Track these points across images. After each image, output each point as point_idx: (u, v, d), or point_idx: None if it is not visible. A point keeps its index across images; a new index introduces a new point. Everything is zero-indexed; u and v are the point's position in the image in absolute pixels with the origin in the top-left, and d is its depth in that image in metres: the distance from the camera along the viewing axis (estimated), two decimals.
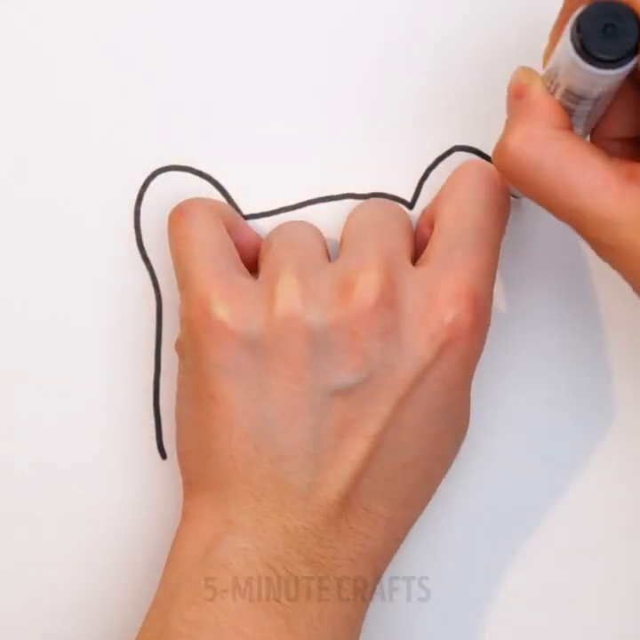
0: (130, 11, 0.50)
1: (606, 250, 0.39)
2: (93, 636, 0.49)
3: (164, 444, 0.49)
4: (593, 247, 0.39)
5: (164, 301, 0.49)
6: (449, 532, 0.49)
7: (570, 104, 0.40)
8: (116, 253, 0.49)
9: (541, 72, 0.42)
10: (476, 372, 0.45)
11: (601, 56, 0.38)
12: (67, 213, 0.49)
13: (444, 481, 0.46)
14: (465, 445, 0.47)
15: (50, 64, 0.50)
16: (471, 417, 0.46)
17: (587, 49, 0.38)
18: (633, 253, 0.38)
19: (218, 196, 0.49)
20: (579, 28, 0.38)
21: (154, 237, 0.49)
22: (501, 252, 0.46)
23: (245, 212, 0.50)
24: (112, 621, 0.49)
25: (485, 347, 0.45)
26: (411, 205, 0.49)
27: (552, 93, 0.41)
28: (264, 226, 0.49)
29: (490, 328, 0.45)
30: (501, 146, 0.40)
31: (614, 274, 0.40)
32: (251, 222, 0.49)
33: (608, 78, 0.38)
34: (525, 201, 0.48)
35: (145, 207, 0.49)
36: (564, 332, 0.49)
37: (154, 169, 0.49)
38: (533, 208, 0.46)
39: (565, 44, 0.39)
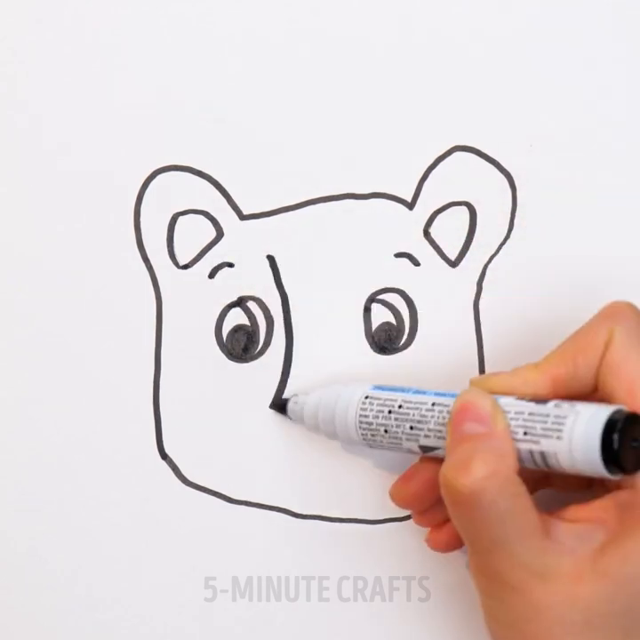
0: (130, 11, 0.50)
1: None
2: (93, 636, 0.49)
3: (164, 443, 0.49)
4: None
5: (163, 301, 0.49)
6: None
7: (527, 456, 0.40)
8: (116, 253, 0.49)
9: (503, 402, 0.41)
10: None
11: (628, 467, 0.38)
12: (67, 213, 0.49)
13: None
14: None
15: (50, 64, 0.50)
16: None
17: (617, 458, 0.38)
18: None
19: (218, 197, 0.49)
20: (610, 434, 0.38)
21: (154, 237, 0.49)
22: None
23: (245, 212, 0.50)
24: (112, 621, 0.49)
25: None
26: (411, 205, 0.49)
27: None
28: (264, 226, 0.49)
29: None
30: (458, 471, 0.39)
31: None
32: (249, 221, 0.49)
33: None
34: None
35: (145, 207, 0.49)
36: None
37: (154, 169, 0.49)
38: None
39: (579, 439, 0.38)
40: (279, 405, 0.49)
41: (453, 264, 0.50)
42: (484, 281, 0.49)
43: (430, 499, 0.45)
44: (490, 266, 0.49)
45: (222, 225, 0.50)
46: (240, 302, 0.49)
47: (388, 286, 0.49)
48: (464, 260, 0.50)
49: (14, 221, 0.50)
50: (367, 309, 0.49)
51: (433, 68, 0.49)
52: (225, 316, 0.49)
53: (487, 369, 0.49)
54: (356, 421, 0.45)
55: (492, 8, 0.49)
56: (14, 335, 0.49)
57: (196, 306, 0.49)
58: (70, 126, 0.49)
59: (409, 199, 0.49)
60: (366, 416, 0.44)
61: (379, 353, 0.49)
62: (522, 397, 0.41)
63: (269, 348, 0.49)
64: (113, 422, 0.49)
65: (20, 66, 0.50)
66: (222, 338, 0.49)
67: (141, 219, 0.49)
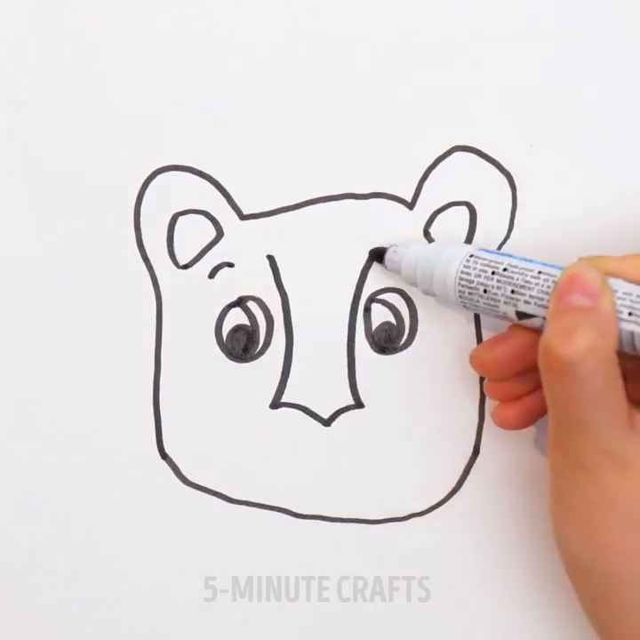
0: (130, 11, 0.50)
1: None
2: (93, 636, 0.49)
3: (164, 443, 0.49)
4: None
5: (163, 301, 0.49)
6: (449, 532, 0.49)
7: (628, 338, 0.40)
8: (116, 253, 0.49)
9: (611, 281, 0.41)
10: None
11: None
12: (67, 213, 0.49)
13: (444, 481, 0.46)
14: (465, 447, 0.47)
15: (50, 64, 0.50)
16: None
17: None
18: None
19: (218, 197, 0.49)
20: None
21: (154, 237, 0.49)
22: None
23: (245, 212, 0.50)
24: (112, 621, 0.49)
25: None
26: (411, 205, 0.49)
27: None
28: (264, 226, 0.49)
29: None
30: (561, 339, 0.39)
31: None
32: (249, 221, 0.50)
33: None
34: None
35: (145, 207, 0.49)
36: None
37: (154, 169, 0.49)
38: None
39: None
40: (377, 254, 0.48)
41: None
42: None
43: (514, 367, 0.45)
44: None
45: (222, 225, 0.50)
46: (240, 302, 0.49)
47: (388, 286, 0.49)
48: None
49: (14, 221, 0.50)
50: (367, 309, 0.49)
51: (433, 68, 0.49)
52: (225, 315, 0.49)
53: None
54: (456, 278, 0.45)
55: (492, 8, 0.49)
56: (14, 335, 0.49)
57: (196, 306, 0.49)
58: (70, 126, 0.49)
59: (409, 199, 0.49)
60: (468, 274, 0.44)
61: (379, 353, 0.49)
62: (631, 281, 0.41)
63: (269, 348, 0.49)
64: (113, 422, 0.49)
65: (20, 66, 0.50)
66: (222, 338, 0.49)
67: (141, 219, 0.49)
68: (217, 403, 0.49)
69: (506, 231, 0.49)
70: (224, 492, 0.50)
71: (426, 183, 0.49)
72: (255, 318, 0.49)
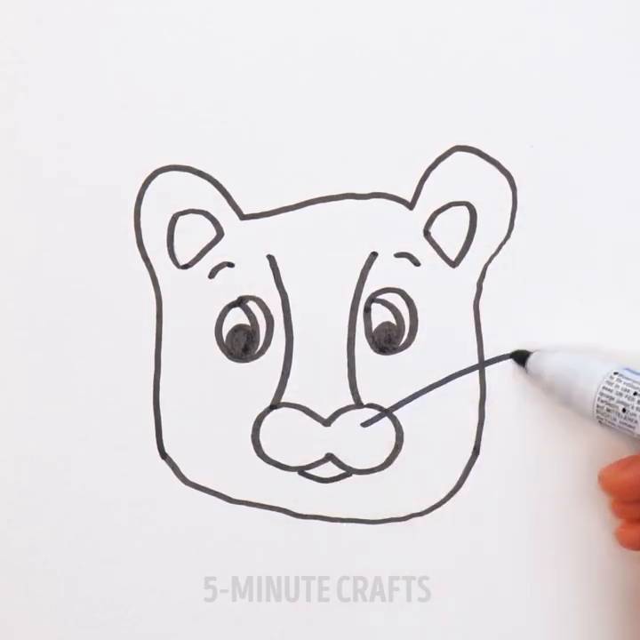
0: (130, 11, 0.50)
1: None
2: (93, 636, 0.49)
3: (164, 443, 0.49)
4: None
5: (163, 301, 0.49)
6: (449, 532, 0.49)
7: None
8: (116, 253, 0.49)
9: None
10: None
11: None
12: (67, 213, 0.49)
13: (443, 481, 0.46)
14: (465, 446, 0.47)
15: (50, 64, 0.50)
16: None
17: None
18: None
19: (218, 196, 0.49)
20: None
21: (154, 237, 0.49)
22: None
23: (245, 212, 0.50)
24: (112, 621, 0.49)
25: None
26: (411, 205, 0.49)
27: None
28: (264, 226, 0.49)
29: None
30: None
31: None
32: (249, 221, 0.49)
33: None
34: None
35: (145, 207, 0.49)
36: None
37: (154, 169, 0.49)
38: None
39: None
40: (520, 357, 0.49)
41: (453, 264, 0.50)
42: (484, 281, 0.49)
43: None
44: (490, 266, 0.49)
45: (222, 225, 0.50)
46: (240, 302, 0.49)
47: (388, 286, 0.49)
48: (464, 260, 0.50)
49: (14, 221, 0.50)
50: (367, 309, 0.49)
51: (433, 68, 0.49)
52: (225, 315, 0.49)
53: (487, 369, 0.49)
54: (597, 393, 0.45)
55: (493, 8, 0.49)
56: (14, 335, 0.49)
57: (196, 306, 0.49)
58: (70, 126, 0.49)
59: (409, 199, 0.49)
60: (610, 390, 0.45)
61: (379, 353, 0.49)
62: None
63: (269, 348, 0.49)
64: (113, 422, 0.49)
65: (20, 66, 0.50)
66: (222, 338, 0.49)
67: (141, 219, 0.49)
68: (217, 403, 0.49)
69: (506, 231, 0.49)
70: (224, 492, 0.49)
71: (426, 183, 0.49)
72: (255, 318, 0.49)
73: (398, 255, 0.50)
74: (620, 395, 0.45)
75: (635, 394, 0.44)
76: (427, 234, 0.49)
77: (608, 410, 0.45)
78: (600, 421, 0.46)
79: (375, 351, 0.49)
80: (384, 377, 0.49)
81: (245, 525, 0.49)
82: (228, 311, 0.49)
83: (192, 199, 0.49)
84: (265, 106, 0.49)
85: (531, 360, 0.48)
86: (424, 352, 0.49)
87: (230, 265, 0.50)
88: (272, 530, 0.49)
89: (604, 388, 0.45)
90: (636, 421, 0.44)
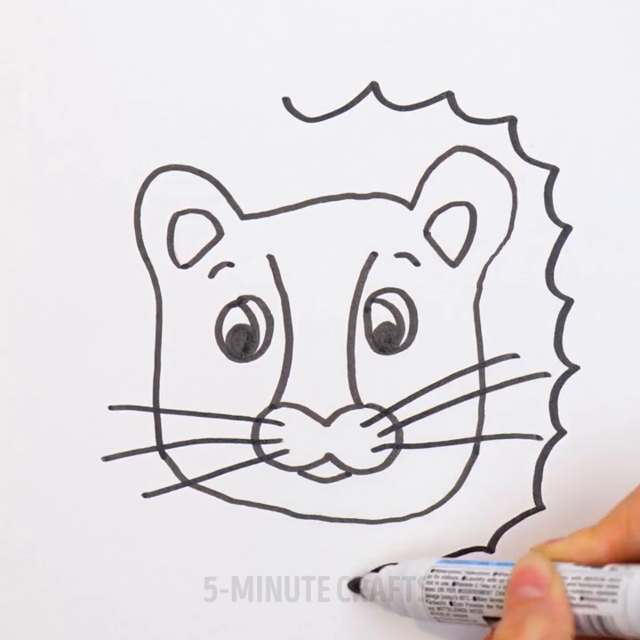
0: (130, 11, 0.50)
1: None
2: (93, 636, 0.49)
3: (164, 443, 0.49)
4: None
5: (163, 301, 0.49)
6: (449, 532, 0.49)
7: (586, 621, 0.40)
8: (116, 253, 0.49)
9: (561, 567, 0.41)
10: None
11: None
12: (67, 213, 0.49)
13: (443, 481, 0.46)
14: (465, 447, 0.47)
15: (50, 64, 0.50)
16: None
17: None
18: None
19: (218, 196, 0.49)
20: None
21: (154, 237, 0.49)
22: None
23: (245, 212, 0.50)
24: (112, 621, 0.49)
25: None
26: (411, 205, 0.49)
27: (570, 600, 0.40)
28: (264, 226, 0.49)
29: None
30: (512, 633, 0.40)
31: None
32: (250, 221, 0.50)
33: None
34: None
35: (145, 207, 0.49)
36: None
37: (154, 169, 0.49)
38: None
39: None
40: (354, 584, 0.49)
41: (453, 264, 0.50)
42: (484, 281, 0.49)
43: None
44: (490, 266, 0.49)
45: (222, 225, 0.50)
46: (240, 302, 0.49)
47: (388, 286, 0.49)
48: (464, 260, 0.50)
49: (14, 221, 0.50)
50: (367, 309, 0.49)
51: (433, 68, 0.49)
52: (225, 315, 0.49)
53: (487, 370, 0.49)
54: (423, 595, 0.45)
55: (493, 7, 0.49)
56: (14, 335, 0.49)
57: (196, 305, 0.49)
58: (70, 126, 0.49)
59: (409, 199, 0.49)
60: (432, 589, 0.44)
61: (379, 353, 0.49)
62: (579, 563, 0.41)
63: (269, 347, 0.49)
64: (113, 422, 0.49)
65: (21, 66, 0.50)
66: (222, 337, 0.49)
67: (141, 218, 0.49)
68: (217, 402, 0.49)
69: (506, 231, 0.49)
70: (224, 492, 0.49)
71: (426, 183, 0.49)
72: (255, 318, 0.49)
73: (398, 255, 0.50)
74: (442, 589, 0.44)
75: (453, 584, 0.44)
76: (427, 234, 0.49)
77: (439, 608, 0.44)
78: (439, 620, 0.45)
79: (375, 351, 0.49)
80: (384, 377, 0.49)
81: (245, 525, 0.49)
82: (228, 311, 0.49)
83: (192, 199, 0.49)
84: (265, 106, 0.49)
85: (362, 585, 0.48)
86: (424, 352, 0.49)
87: (230, 265, 0.50)
88: (272, 530, 0.49)
89: (426, 588, 0.45)
90: (464, 610, 0.43)
